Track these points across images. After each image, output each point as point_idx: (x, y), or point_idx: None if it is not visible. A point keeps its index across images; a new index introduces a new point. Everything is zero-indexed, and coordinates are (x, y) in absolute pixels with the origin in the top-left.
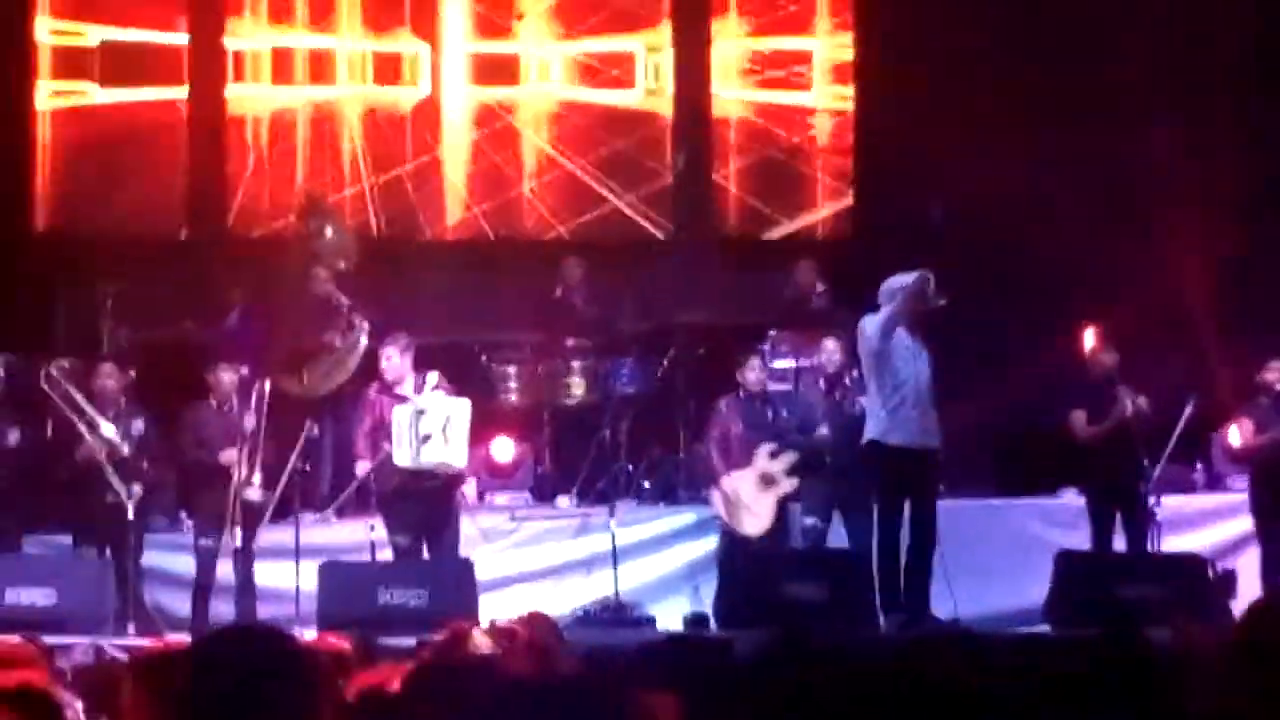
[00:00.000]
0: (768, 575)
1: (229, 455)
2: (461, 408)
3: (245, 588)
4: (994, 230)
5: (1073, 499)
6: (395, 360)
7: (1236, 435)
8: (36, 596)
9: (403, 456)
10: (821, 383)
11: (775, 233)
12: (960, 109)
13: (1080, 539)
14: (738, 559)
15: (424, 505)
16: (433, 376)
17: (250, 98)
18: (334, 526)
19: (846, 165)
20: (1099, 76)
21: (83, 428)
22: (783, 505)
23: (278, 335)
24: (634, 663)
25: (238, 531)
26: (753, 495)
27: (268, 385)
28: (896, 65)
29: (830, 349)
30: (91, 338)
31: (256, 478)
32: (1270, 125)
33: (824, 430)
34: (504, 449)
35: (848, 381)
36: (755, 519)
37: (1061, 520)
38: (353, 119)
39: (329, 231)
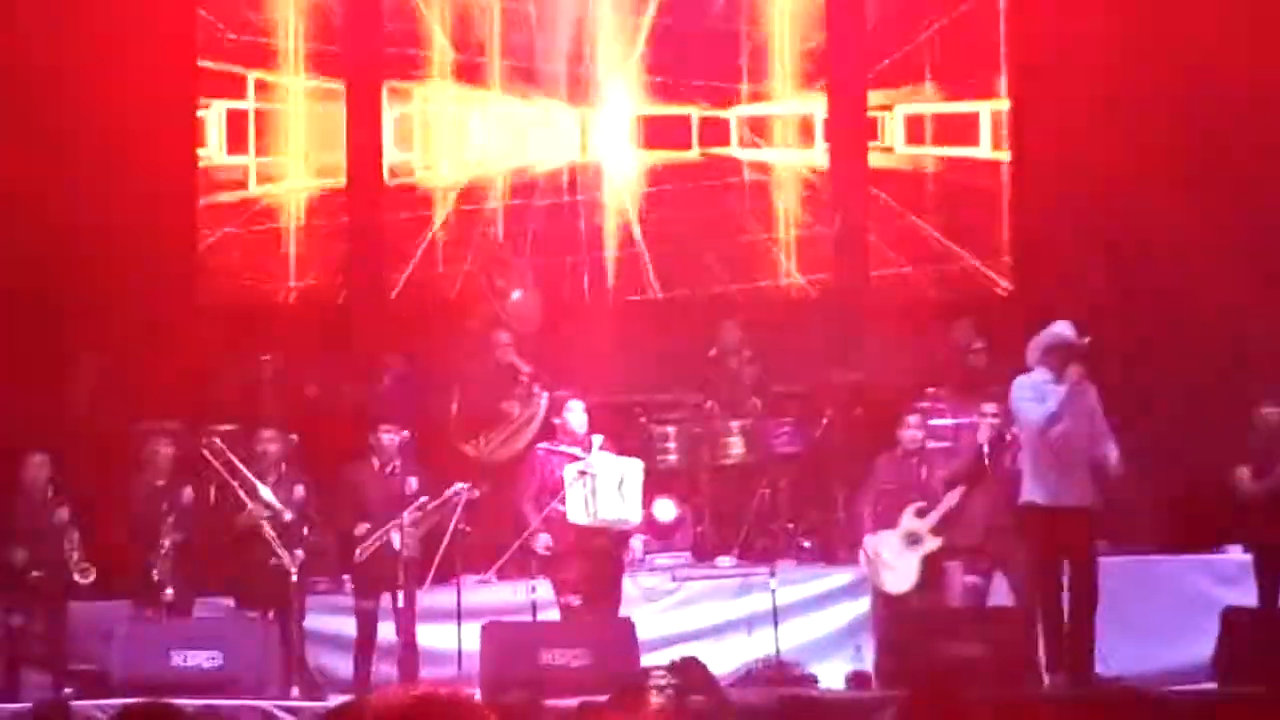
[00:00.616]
0: (927, 633)
1: (361, 529)
2: (634, 467)
3: (408, 648)
4: (1158, 286)
5: (1238, 555)
6: (576, 416)
7: None
8: (202, 659)
9: (578, 514)
10: (981, 441)
11: (932, 291)
12: (1120, 166)
13: (1245, 595)
14: (889, 618)
15: (592, 564)
16: (598, 438)
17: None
18: (495, 587)
19: (1003, 223)
20: (1270, 132)
21: (243, 494)
22: (937, 563)
23: (462, 399)
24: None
25: (399, 593)
26: (895, 553)
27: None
28: (1056, 123)
29: (989, 412)
30: (252, 404)
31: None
32: None
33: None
34: (666, 509)
35: (1007, 438)
36: (897, 577)
37: (1227, 576)
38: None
39: (516, 295)
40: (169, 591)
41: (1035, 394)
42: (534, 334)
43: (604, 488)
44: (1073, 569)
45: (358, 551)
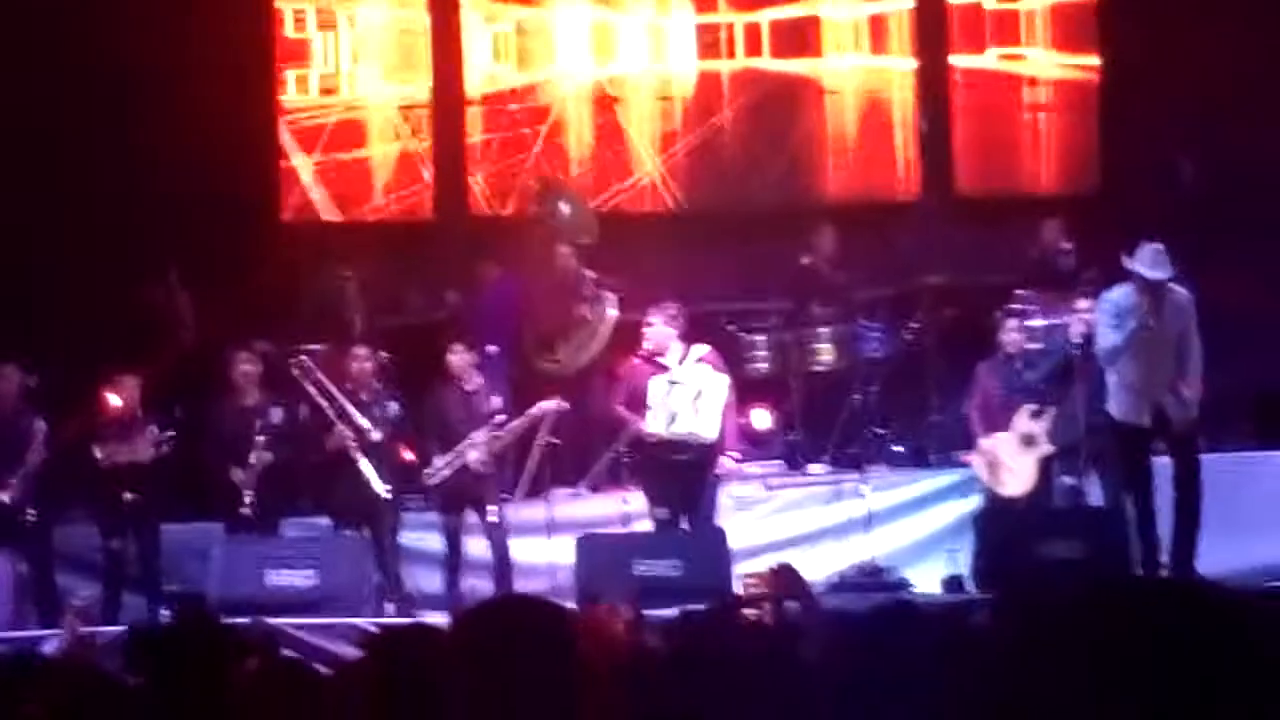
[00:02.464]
0: (1023, 536)
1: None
2: (719, 383)
3: (501, 562)
4: (1246, 187)
5: None
6: (657, 328)
7: None
8: (298, 578)
9: (655, 425)
10: (1075, 341)
11: (1020, 191)
12: (1210, 66)
13: None
14: (998, 521)
15: (677, 476)
16: (699, 349)
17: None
18: (588, 500)
19: (1092, 121)
20: None
21: (332, 414)
22: (1045, 466)
23: (528, 314)
24: (872, 627)
25: (486, 509)
26: (1013, 455)
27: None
28: (1145, 18)
29: (1082, 308)
30: (342, 322)
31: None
32: None
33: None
34: (762, 419)
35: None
36: (1017, 479)
37: None
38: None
39: (565, 210)
40: (248, 502)
41: (1116, 316)
42: (610, 245)
43: (681, 401)
44: (1175, 469)
45: (426, 474)
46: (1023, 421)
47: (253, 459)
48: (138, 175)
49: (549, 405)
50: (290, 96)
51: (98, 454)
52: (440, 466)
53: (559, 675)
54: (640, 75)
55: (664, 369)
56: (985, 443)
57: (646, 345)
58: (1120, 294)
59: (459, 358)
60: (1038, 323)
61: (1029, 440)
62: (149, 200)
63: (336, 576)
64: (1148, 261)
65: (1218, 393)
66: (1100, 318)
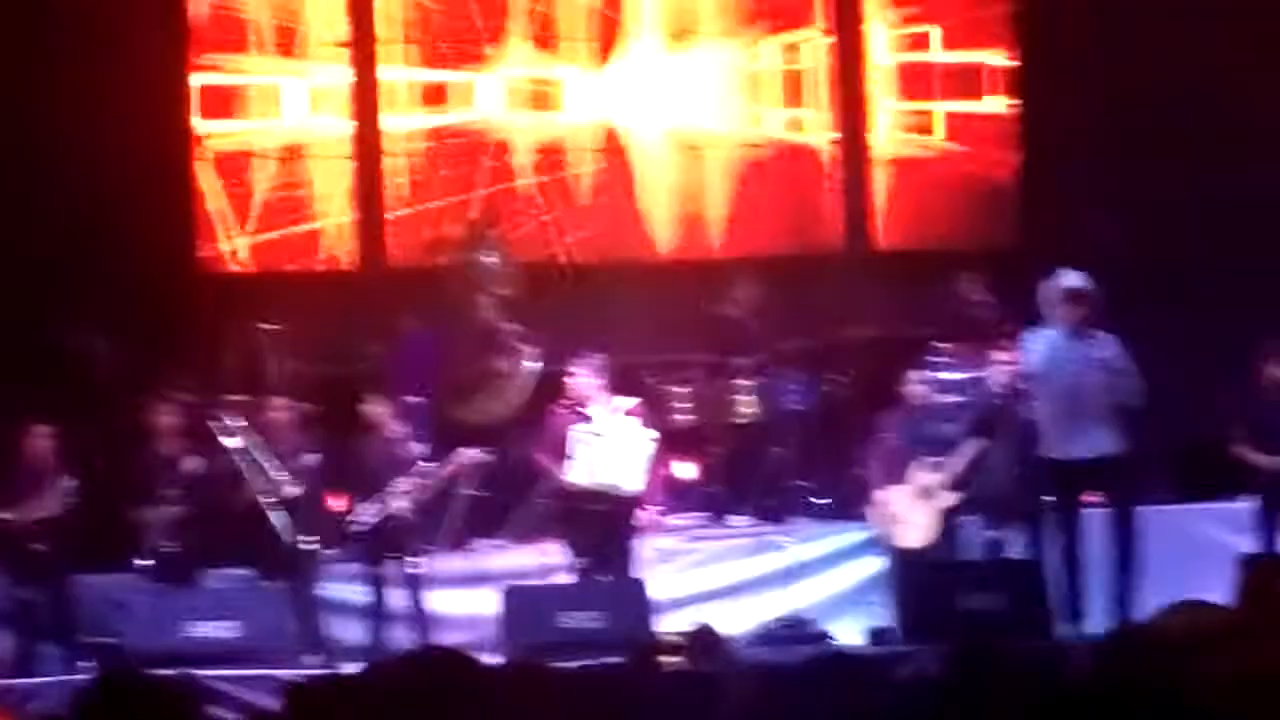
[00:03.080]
0: (944, 588)
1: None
2: (646, 436)
3: (419, 614)
4: (1163, 242)
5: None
6: (581, 378)
7: None
8: (220, 629)
9: (577, 475)
10: (997, 392)
11: (938, 246)
12: (1125, 123)
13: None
14: (907, 572)
15: (596, 526)
16: (624, 401)
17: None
18: (509, 552)
19: (1009, 177)
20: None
21: (248, 467)
22: (952, 517)
23: (447, 364)
24: (804, 679)
25: (409, 560)
26: (908, 508)
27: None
28: (1059, 77)
29: (1002, 358)
30: (260, 374)
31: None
32: None
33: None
34: (686, 469)
35: (1020, 388)
36: (913, 531)
37: (1239, 525)
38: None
39: (489, 259)
40: (161, 550)
41: (1044, 348)
42: (532, 297)
43: (605, 451)
44: (1112, 517)
45: (350, 523)
46: (920, 474)
47: (171, 511)
48: (52, 220)
49: (470, 454)
50: (211, 141)
51: (7, 515)
52: (365, 515)
53: None
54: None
55: (586, 419)
56: (879, 495)
57: (570, 395)
58: (1044, 330)
59: (373, 408)
60: (953, 375)
61: (926, 493)
62: (65, 246)
63: (258, 628)
64: (1072, 278)
65: (1141, 445)
66: (1026, 350)
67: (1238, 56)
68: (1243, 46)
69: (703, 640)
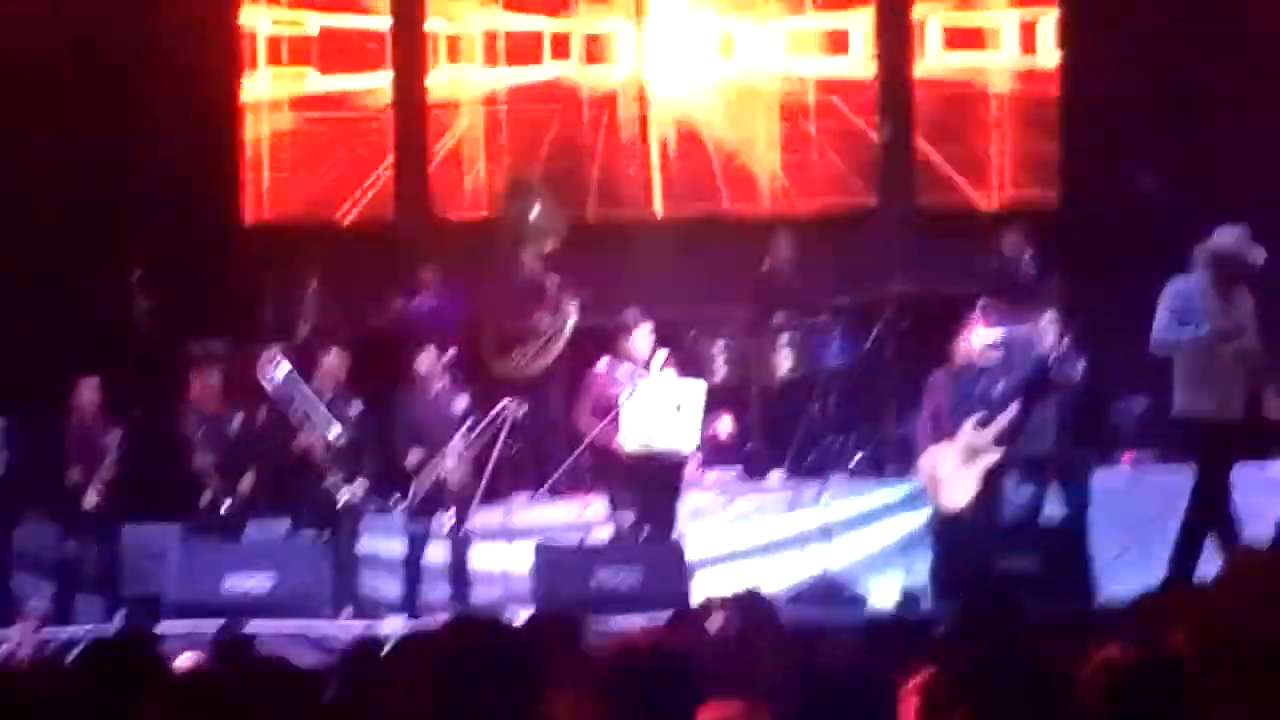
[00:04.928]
0: (981, 549)
1: (414, 456)
2: (695, 390)
3: (461, 571)
4: (1210, 197)
5: None
6: (641, 338)
7: None
8: (255, 582)
9: (632, 439)
10: (1036, 351)
11: (982, 202)
12: (1170, 74)
13: None
14: (945, 532)
15: (649, 487)
16: (661, 354)
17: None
18: (547, 505)
19: (1054, 132)
20: None
21: (298, 418)
22: (996, 478)
23: (488, 317)
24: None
25: (450, 514)
26: (953, 468)
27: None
28: (1104, 31)
29: (1045, 318)
30: (301, 325)
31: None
32: None
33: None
34: (726, 425)
35: (1062, 350)
36: (954, 492)
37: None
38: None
39: (534, 213)
40: (209, 500)
41: (1180, 307)
42: (582, 254)
43: (661, 412)
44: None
45: (414, 481)
46: (967, 433)
47: (214, 462)
48: (101, 176)
49: (511, 406)
50: (254, 99)
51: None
52: (419, 471)
53: (516, 698)
54: (622, 82)
55: (632, 379)
56: (926, 456)
57: (623, 354)
58: (1189, 283)
59: (428, 361)
60: (997, 334)
61: (972, 452)
62: (111, 202)
63: (294, 580)
64: (1231, 237)
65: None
66: (1162, 299)
67: None
68: None
69: (748, 604)
